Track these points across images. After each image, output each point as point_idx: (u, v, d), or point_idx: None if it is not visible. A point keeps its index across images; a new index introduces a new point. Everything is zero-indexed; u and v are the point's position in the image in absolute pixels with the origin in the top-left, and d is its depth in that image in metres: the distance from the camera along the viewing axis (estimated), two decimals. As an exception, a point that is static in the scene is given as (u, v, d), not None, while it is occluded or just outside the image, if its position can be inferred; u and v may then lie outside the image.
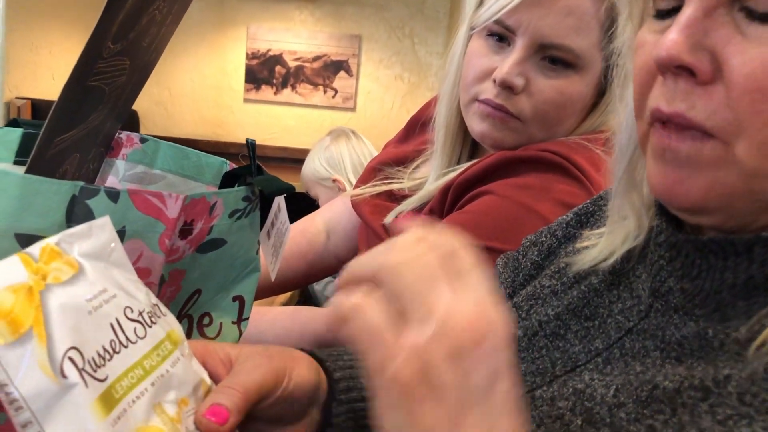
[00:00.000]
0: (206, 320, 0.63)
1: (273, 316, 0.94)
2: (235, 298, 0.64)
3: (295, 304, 1.50)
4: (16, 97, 4.17)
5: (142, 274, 0.51)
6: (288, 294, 1.30)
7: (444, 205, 0.91)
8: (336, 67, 5.19)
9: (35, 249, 0.39)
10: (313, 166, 2.19)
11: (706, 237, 0.45)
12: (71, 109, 0.52)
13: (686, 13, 0.41)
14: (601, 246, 0.56)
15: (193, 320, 0.62)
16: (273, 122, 5.20)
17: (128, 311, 0.41)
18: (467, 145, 0.98)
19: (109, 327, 0.39)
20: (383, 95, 5.22)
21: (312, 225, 1.18)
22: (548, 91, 0.86)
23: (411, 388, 0.34)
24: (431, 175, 0.99)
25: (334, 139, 2.21)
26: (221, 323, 0.64)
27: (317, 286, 1.85)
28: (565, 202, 0.80)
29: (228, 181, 0.65)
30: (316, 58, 5.18)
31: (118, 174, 0.71)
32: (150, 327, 0.42)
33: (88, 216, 0.48)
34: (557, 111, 0.88)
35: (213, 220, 0.56)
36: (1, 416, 0.47)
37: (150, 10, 0.54)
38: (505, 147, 0.90)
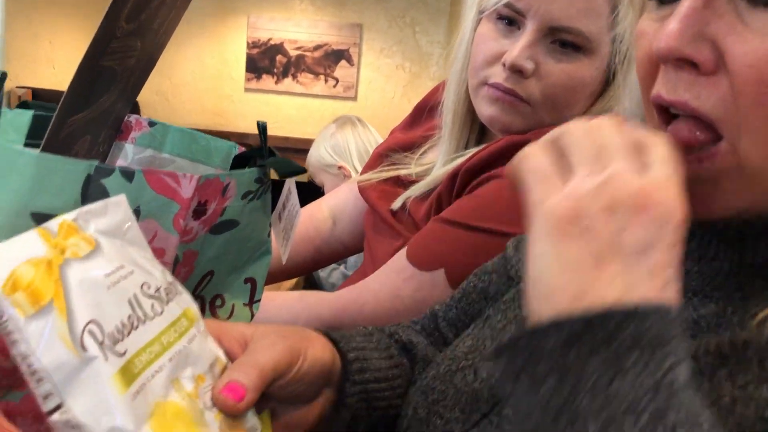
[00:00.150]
0: (218, 302, 0.63)
1: (281, 300, 0.94)
2: (246, 280, 0.64)
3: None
4: (17, 86, 4.17)
5: (157, 254, 0.50)
6: (293, 280, 1.30)
7: (452, 191, 0.91)
8: (337, 56, 5.17)
9: (53, 224, 0.39)
10: (318, 153, 2.19)
11: (720, 220, 0.44)
12: (85, 89, 0.52)
13: (686, 2, 0.41)
14: None
15: (206, 301, 0.62)
16: (274, 112, 5.19)
17: (145, 287, 0.41)
18: (475, 129, 0.98)
19: (126, 303, 0.39)
20: (384, 85, 5.21)
21: (318, 211, 1.18)
22: (558, 75, 0.86)
23: (562, 224, 0.36)
24: (439, 160, 0.98)
25: (340, 126, 2.21)
26: (233, 305, 0.64)
27: (322, 273, 1.85)
28: None
29: (238, 164, 0.64)
30: (317, 48, 5.17)
31: (127, 157, 0.70)
32: (167, 304, 0.42)
33: (103, 195, 0.48)
34: (567, 95, 0.87)
35: (226, 201, 0.56)
36: (16, 395, 0.47)
37: (161, -10, 0.54)
38: (514, 131, 0.89)
